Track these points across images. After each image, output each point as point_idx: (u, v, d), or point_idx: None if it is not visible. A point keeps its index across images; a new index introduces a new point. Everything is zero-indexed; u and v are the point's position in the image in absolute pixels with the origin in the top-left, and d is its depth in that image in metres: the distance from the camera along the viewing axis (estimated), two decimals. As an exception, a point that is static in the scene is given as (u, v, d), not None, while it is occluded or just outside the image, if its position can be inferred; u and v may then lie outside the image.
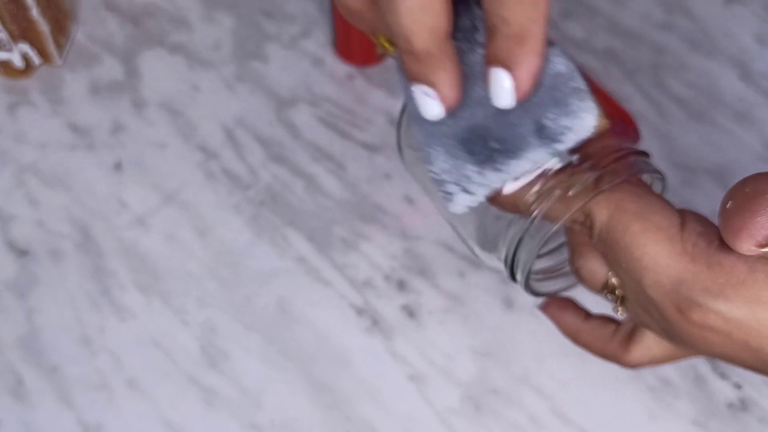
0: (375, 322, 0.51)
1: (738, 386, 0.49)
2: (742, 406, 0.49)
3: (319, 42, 0.60)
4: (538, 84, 0.36)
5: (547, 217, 0.37)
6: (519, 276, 0.40)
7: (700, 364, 0.50)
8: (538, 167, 0.37)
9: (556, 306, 0.45)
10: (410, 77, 0.35)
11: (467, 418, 0.49)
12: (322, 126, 0.57)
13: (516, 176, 0.37)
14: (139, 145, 0.57)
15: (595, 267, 0.39)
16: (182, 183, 0.55)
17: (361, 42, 0.58)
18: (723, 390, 0.49)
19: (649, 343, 0.41)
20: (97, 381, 0.50)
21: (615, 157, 0.38)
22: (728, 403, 0.49)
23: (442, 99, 0.35)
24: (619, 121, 0.44)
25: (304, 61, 0.59)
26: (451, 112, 0.37)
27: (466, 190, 0.37)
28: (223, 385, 0.50)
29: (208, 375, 0.50)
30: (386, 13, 0.33)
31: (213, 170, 0.56)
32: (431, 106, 0.36)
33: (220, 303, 0.52)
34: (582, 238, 0.40)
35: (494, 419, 0.49)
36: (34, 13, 0.55)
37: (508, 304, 0.51)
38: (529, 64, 0.35)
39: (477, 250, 0.43)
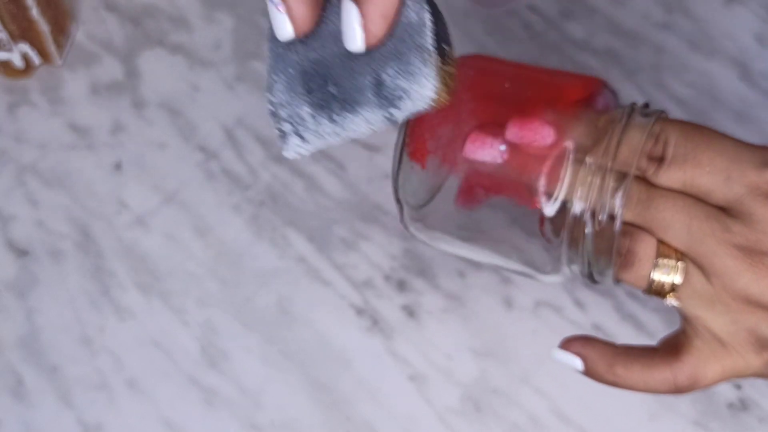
0: (375, 322, 0.51)
1: (738, 386, 0.49)
2: (742, 406, 0.49)
3: (319, 42, 0.60)
4: (392, 29, 0.32)
5: (620, 158, 0.36)
6: (605, 265, 0.37)
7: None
8: (373, 130, 0.34)
9: (580, 341, 0.41)
10: None
11: (467, 418, 0.49)
12: (322, 126, 0.57)
13: (350, 135, 0.34)
14: (139, 145, 0.57)
15: (648, 239, 0.37)
16: (182, 183, 0.55)
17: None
18: (723, 390, 0.49)
19: (707, 337, 0.38)
20: (97, 381, 0.50)
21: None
22: (728, 403, 0.49)
23: (291, 15, 0.32)
24: (590, 87, 0.41)
25: (304, 61, 0.59)
26: (306, 39, 0.33)
27: (299, 134, 0.34)
28: (223, 385, 0.50)
29: (208, 375, 0.50)
30: None
31: (213, 170, 0.56)
32: (281, 21, 0.32)
33: (220, 303, 0.52)
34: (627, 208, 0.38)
35: (494, 419, 0.49)
36: (34, 13, 0.55)
37: (508, 304, 0.51)
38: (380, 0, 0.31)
39: (539, 275, 0.40)
